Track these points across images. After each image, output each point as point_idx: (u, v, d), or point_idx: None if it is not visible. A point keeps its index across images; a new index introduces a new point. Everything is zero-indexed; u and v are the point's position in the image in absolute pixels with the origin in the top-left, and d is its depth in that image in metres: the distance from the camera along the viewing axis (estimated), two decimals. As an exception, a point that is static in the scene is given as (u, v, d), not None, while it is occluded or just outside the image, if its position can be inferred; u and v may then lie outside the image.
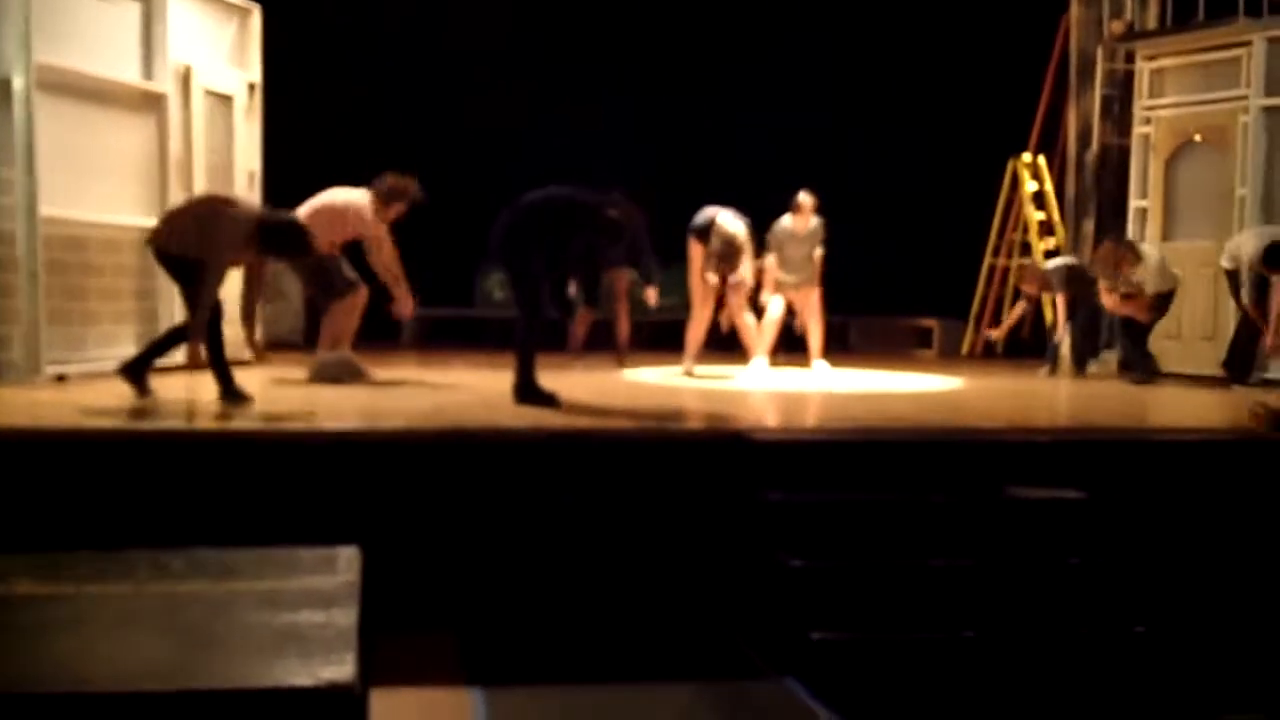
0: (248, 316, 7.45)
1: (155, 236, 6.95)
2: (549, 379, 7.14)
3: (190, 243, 6.78)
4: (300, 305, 12.59)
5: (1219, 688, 5.00)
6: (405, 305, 8.39)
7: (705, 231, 9.33)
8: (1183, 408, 8.19)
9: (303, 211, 8.08)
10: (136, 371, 6.93)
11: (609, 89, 12.84)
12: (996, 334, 11.58)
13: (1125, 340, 9.91)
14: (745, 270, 9.46)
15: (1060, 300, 10.32)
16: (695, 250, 9.48)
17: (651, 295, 10.02)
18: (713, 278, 9.40)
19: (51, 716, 2.78)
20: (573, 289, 8.74)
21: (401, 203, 8.37)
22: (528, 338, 7.08)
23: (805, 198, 9.89)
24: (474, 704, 4.56)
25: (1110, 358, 11.12)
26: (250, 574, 3.81)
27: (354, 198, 8.32)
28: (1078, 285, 10.18)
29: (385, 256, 8.28)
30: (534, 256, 6.94)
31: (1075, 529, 5.50)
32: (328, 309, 8.53)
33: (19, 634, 3.16)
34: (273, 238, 6.90)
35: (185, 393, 7.72)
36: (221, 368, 6.95)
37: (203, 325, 6.82)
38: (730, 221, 9.26)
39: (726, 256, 9.23)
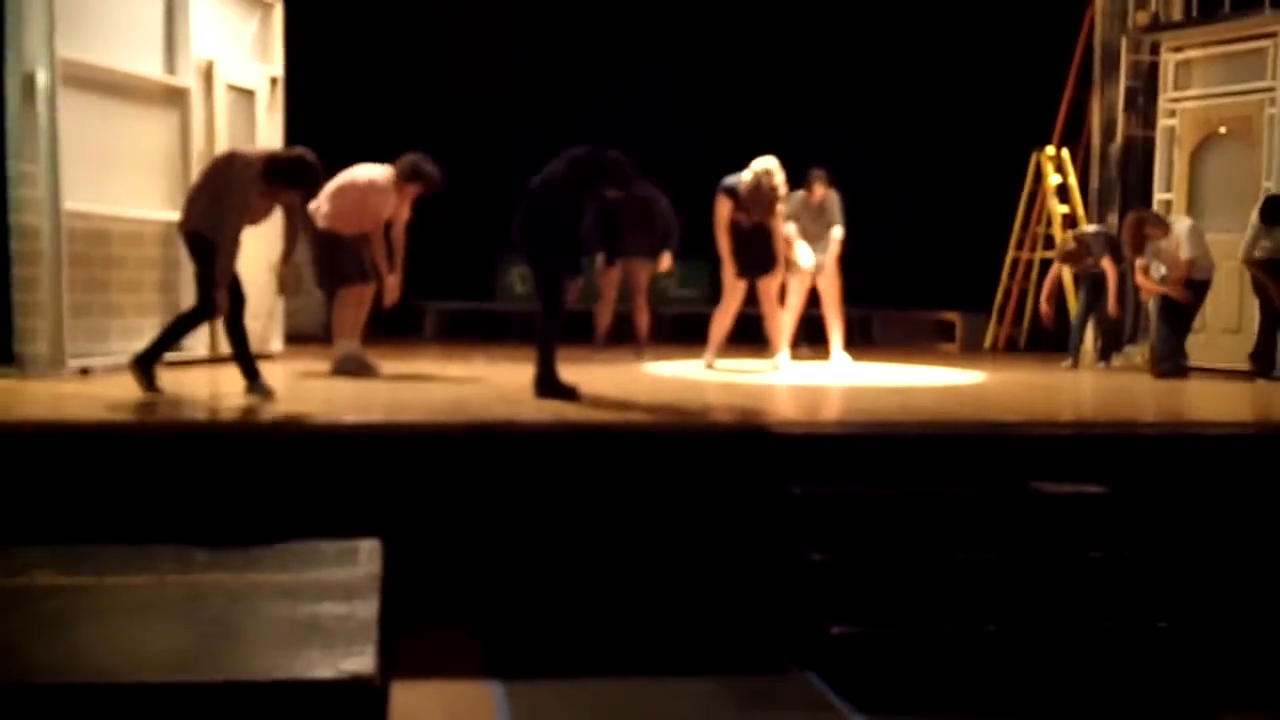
0: (287, 256, 7.40)
1: (182, 220, 6.97)
2: (570, 372, 7.14)
3: (199, 215, 6.78)
4: (321, 299, 12.62)
5: (1240, 682, 4.97)
6: (392, 293, 8.39)
7: (734, 190, 9.17)
8: (1208, 402, 8.14)
9: (327, 192, 8.09)
10: (146, 365, 6.87)
11: (638, 84, 12.82)
12: (1045, 306, 11.26)
13: (1164, 327, 9.69)
14: (785, 228, 9.39)
15: (1109, 268, 10.18)
16: (723, 208, 9.22)
17: (666, 260, 10.03)
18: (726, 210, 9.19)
19: (73, 706, 2.79)
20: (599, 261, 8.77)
21: (420, 183, 8.37)
22: (549, 330, 7.08)
23: (817, 172, 9.85)
24: (494, 697, 4.57)
25: (1133, 351, 11.06)
26: (272, 566, 3.83)
27: (375, 173, 8.34)
28: (1116, 253, 10.11)
29: (395, 233, 8.29)
30: (551, 242, 6.94)
31: (1098, 524, 5.47)
32: (336, 297, 8.52)
33: (42, 624, 3.18)
34: (278, 172, 6.85)
35: (208, 386, 7.75)
36: (246, 360, 6.95)
37: (217, 301, 6.80)
38: (766, 161, 9.14)
39: (758, 200, 9.04)
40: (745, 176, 9.12)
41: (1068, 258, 10.62)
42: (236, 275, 6.95)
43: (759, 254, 9.32)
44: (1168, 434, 6.46)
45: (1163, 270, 9.57)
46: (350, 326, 8.45)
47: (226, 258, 6.77)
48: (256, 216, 7.08)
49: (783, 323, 9.67)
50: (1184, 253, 9.32)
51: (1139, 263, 9.55)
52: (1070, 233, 11.31)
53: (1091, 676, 4.89)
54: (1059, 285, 11.20)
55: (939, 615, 5.01)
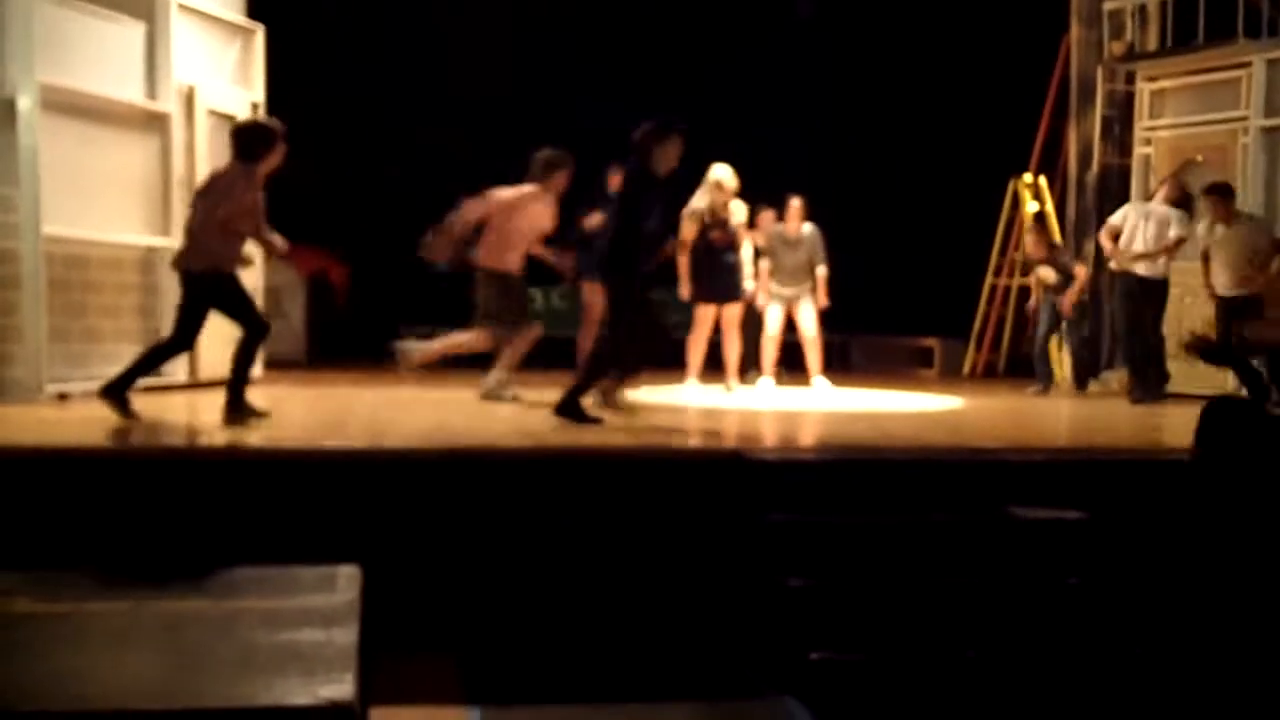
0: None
1: (176, 260, 6.91)
2: (551, 397, 7.14)
3: (205, 252, 6.72)
4: (301, 325, 12.63)
5: (1215, 707, 4.99)
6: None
7: (696, 213, 9.58)
8: (1186, 427, 8.17)
9: (494, 222, 8.28)
10: (117, 392, 6.74)
11: (610, 105, 12.85)
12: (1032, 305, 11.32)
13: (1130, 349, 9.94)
14: (737, 212, 9.65)
15: (1079, 270, 10.42)
16: (687, 230, 9.61)
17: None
18: (690, 231, 9.56)
19: (51, 734, 2.78)
20: None
21: (564, 169, 8.47)
22: (607, 355, 7.15)
23: (795, 201, 10.05)
24: (473, 723, 4.56)
25: (1110, 377, 11.12)
26: (251, 592, 3.81)
27: (525, 192, 8.38)
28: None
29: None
30: (636, 273, 7.08)
31: (1076, 549, 5.49)
32: (511, 336, 8.46)
33: (18, 651, 3.17)
34: (251, 144, 6.79)
35: (186, 411, 7.73)
36: (240, 384, 6.84)
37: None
38: (718, 171, 9.53)
39: (715, 205, 9.51)
40: (698, 201, 9.37)
41: (1037, 251, 10.73)
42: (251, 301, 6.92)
43: (722, 281, 9.55)
44: (1145, 459, 6.50)
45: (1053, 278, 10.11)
46: (515, 360, 8.49)
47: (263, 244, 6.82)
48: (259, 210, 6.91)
49: (764, 347, 9.86)
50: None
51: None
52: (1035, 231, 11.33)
53: (1070, 703, 4.91)
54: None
55: (918, 641, 5.02)
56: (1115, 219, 9.59)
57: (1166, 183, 9.77)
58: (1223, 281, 9.12)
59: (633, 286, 7.19)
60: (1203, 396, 9.68)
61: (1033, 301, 10.94)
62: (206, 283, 6.74)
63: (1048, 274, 10.53)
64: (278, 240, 6.95)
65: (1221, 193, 9.16)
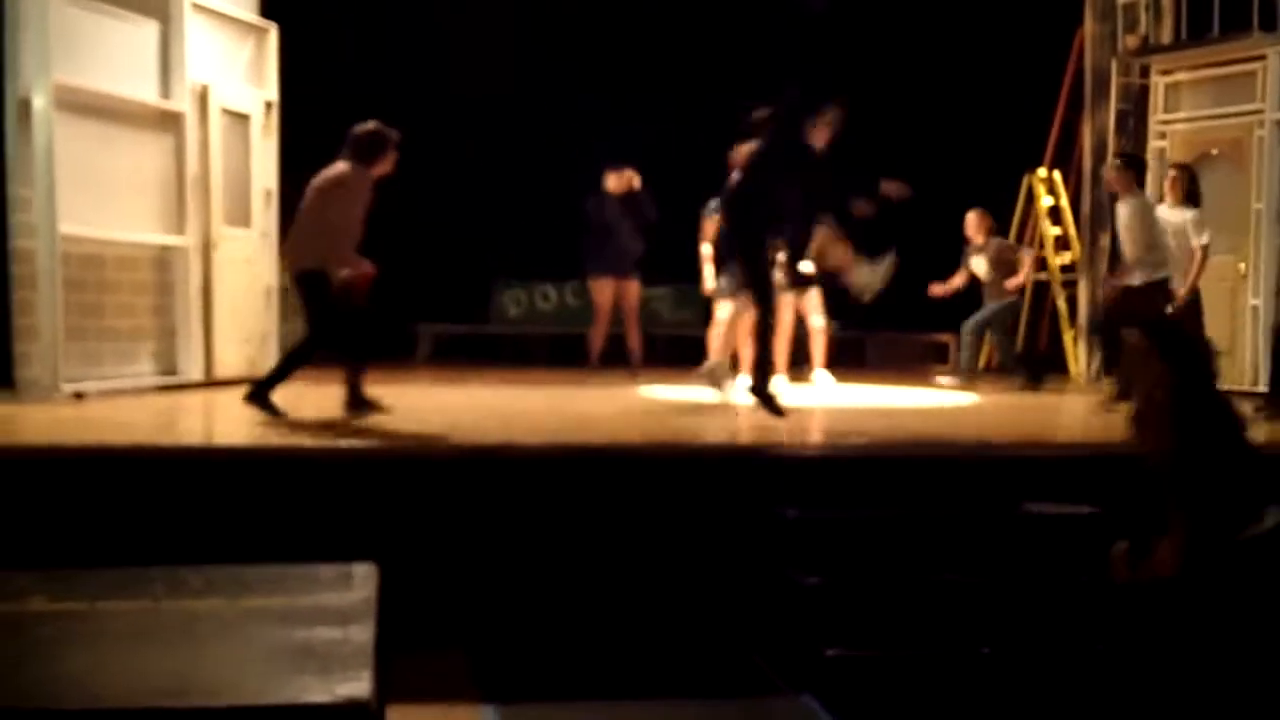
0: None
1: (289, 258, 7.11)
2: (566, 395, 7.15)
3: (308, 250, 6.84)
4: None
5: (1233, 706, 4.97)
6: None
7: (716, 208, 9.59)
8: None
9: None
10: (262, 396, 6.86)
11: (627, 107, 12.86)
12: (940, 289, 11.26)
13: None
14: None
15: (1026, 259, 10.67)
16: (708, 227, 9.70)
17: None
18: (711, 228, 9.62)
19: (68, 733, 2.79)
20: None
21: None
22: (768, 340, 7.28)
23: None
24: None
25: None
26: (267, 591, 3.82)
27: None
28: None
29: None
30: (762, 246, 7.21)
31: (1090, 545, 5.47)
32: (747, 313, 8.43)
33: (34, 650, 3.18)
34: (368, 150, 6.98)
35: (203, 410, 7.76)
36: (281, 377, 6.90)
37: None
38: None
39: None
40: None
41: (976, 236, 10.69)
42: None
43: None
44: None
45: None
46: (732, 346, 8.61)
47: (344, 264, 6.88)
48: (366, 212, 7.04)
49: (777, 344, 9.86)
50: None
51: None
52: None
53: (1085, 699, 4.89)
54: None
55: (933, 637, 5.02)
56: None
57: (1171, 184, 9.40)
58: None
59: (760, 254, 7.30)
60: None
61: (957, 281, 10.87)
62: (311, 279, 6.86)
63: (979, 266, 10.47)
64: (365, 263, 7.06)
65: (1126, 163, 8.92)
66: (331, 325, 6.94)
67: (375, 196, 7.05)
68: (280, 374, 6.92)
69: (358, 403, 6.95)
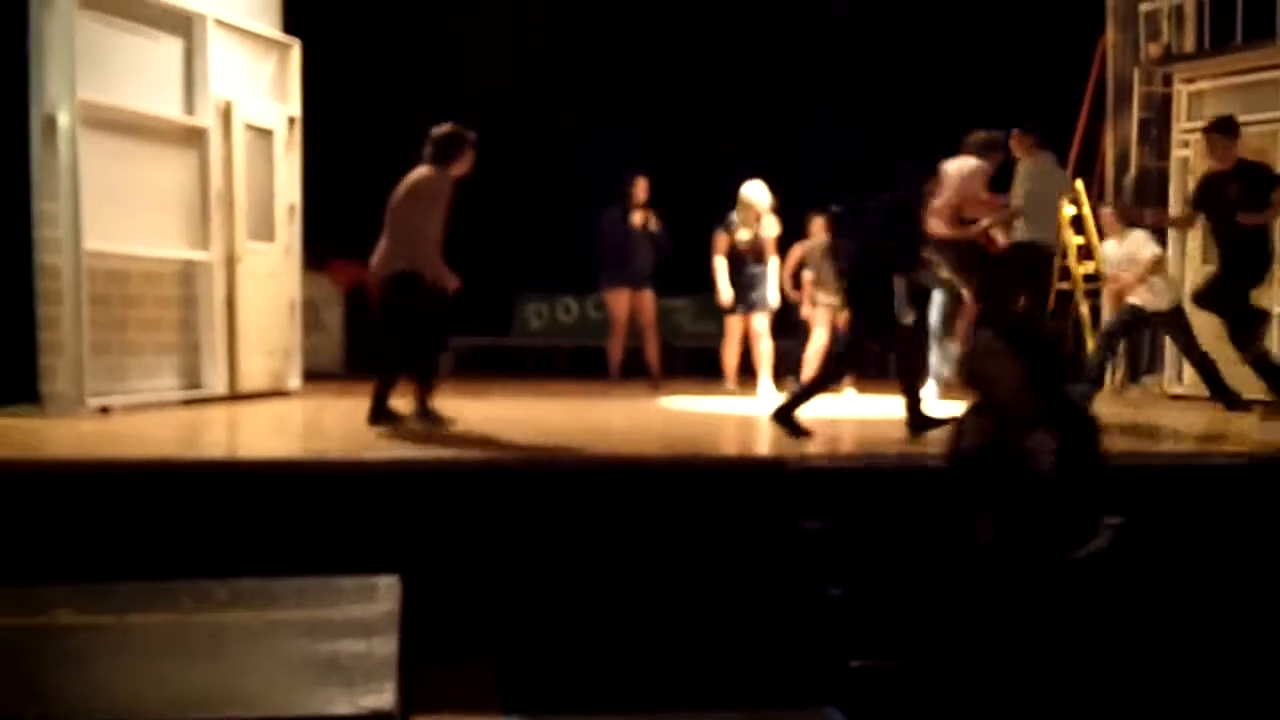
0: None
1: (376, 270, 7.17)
2: (587, 408, 7.16)
3: (397, 256, 6.98)
4: (339, 337, 12.71)
5: (1263, 715, 4.94)
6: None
7: (728, 224, 10.01)
8: (1224, 431, 8.11)
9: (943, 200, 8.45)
10: (381, 412, 7.03)
11: (648, 115, 12.89)
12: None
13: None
14: (769, 227, 9.97)
15: None
16: (720, 243, 10.01)
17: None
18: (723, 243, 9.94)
19: (96, 745, 2.81)
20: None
21: (998, 154, 8.67)
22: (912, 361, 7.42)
23: (818, 219, 10.23)
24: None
25: (1151, 382, 11.02)
26: (292, 603, 3.83)
27: (966, 166, 8.62)
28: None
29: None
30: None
31: (1116, 554, 5.44)
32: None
33: (62, 663, 3.20)
34: (447, 151, 7.17)
35: (227, 423, 7.79)
36: (388, 389, 7.05)
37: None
38: (749, 185, 9.96)
39: (745, 219, 9.93)
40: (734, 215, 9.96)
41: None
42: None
43: (746, 292, 10.02)
44: (1184, 463, 6.44)
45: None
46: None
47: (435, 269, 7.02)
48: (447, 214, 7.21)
49: (810, 360, 9.97)
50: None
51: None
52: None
53: (1113, 710, 4.86)
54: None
55: (957, 648, 4.99)
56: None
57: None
58: None
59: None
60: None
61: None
62: (402, 285, 6.99)
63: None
64: (450, 278, 7.20)
65: (1026, 130, 9.07)
66: (421, 330, 7.07)
67: (455, 198, 7.23)
68: (387, 386, 7.09)
69: (426, 413, 7.12)
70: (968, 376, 4.48)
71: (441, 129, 7.26)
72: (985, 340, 4.36)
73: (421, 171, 7.20)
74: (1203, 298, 8.46)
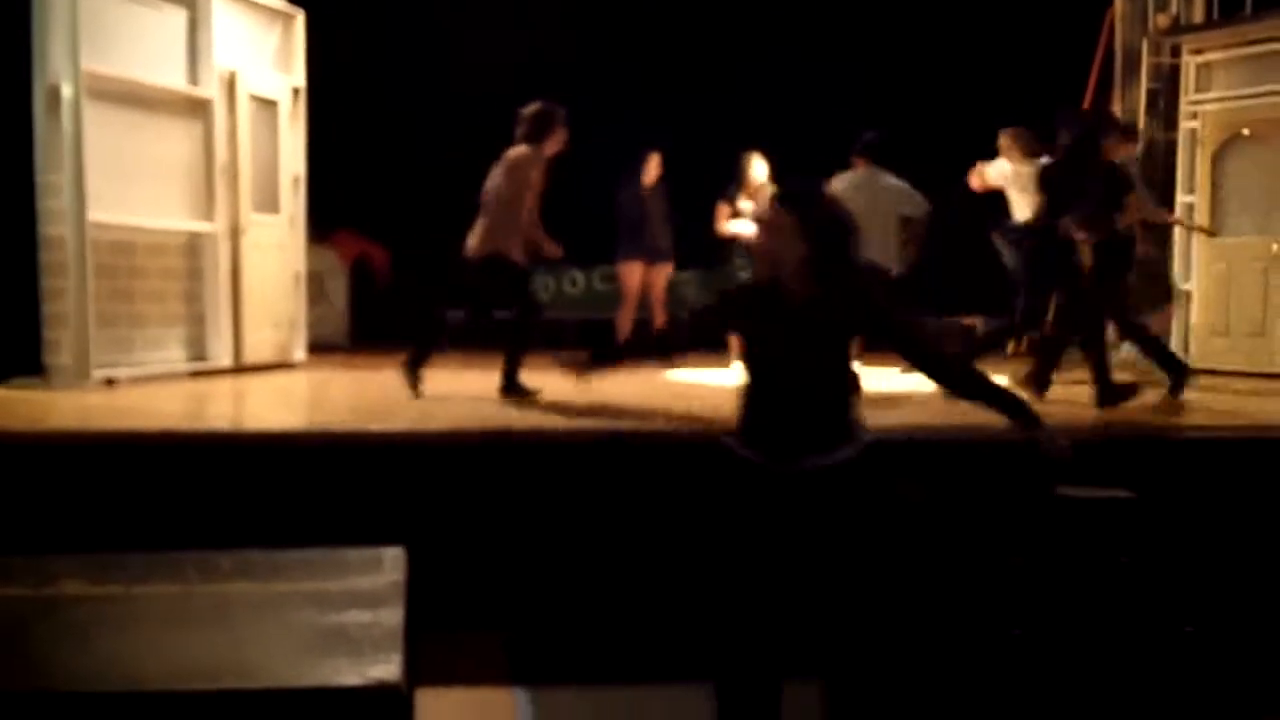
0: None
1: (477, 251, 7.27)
2: (592, 380, 7.12)
3: (491, 236, 7.12)
4: (343, 309, 12.70)
5: (1269, 688, 4.94)
6: None
7: (729, 194, 10.00)
8: (1233, 406, 8.10)
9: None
10: (513, 387, 7.29)
11: (661, 98, 12.85)
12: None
13: None
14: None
15: None
16: (723, 212, 10.01)
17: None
18: (724, 213, 9.88)
19: (101, 716, 2.80)
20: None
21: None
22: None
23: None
24: (518, 703, 4.57)
25: (1132, 355, 10.99)
26: (297, 575, 3.83)
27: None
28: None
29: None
30: None
31: (1125, 529, 5.44)
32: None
33: (69, 634, 3.20)
34: (540, 130, 7.25)
35: (232, 395, 7.78)
36: (514, 364, 7.24)
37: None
38: (749, 158, 10.02)
39: (745, 191, 9.91)
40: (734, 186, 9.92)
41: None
42: None
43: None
44: (1195, 439, 6.43)
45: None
46: None
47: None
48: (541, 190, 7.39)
49: None
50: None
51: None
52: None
53: (1119, 682, 4.87)
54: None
55: (964, 620, 4.99)
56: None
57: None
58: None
59: None
60: (1250, 374, 9.60)
61: None
62: (500, 262, 7.13)
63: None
64: (550, 245, 7.46)
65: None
66: (525, 303, 7.28)
67: (549, 175, 7.41)
68: (515, 360, 7.31)
69: (513, 387, 7.23)
70: (752, 249, 4.16)
71: (531, 107, 7.38)
72: (773, 213, 3.88)
73: (517, 150, 7.30)
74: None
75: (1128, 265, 8.30)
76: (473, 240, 7.25)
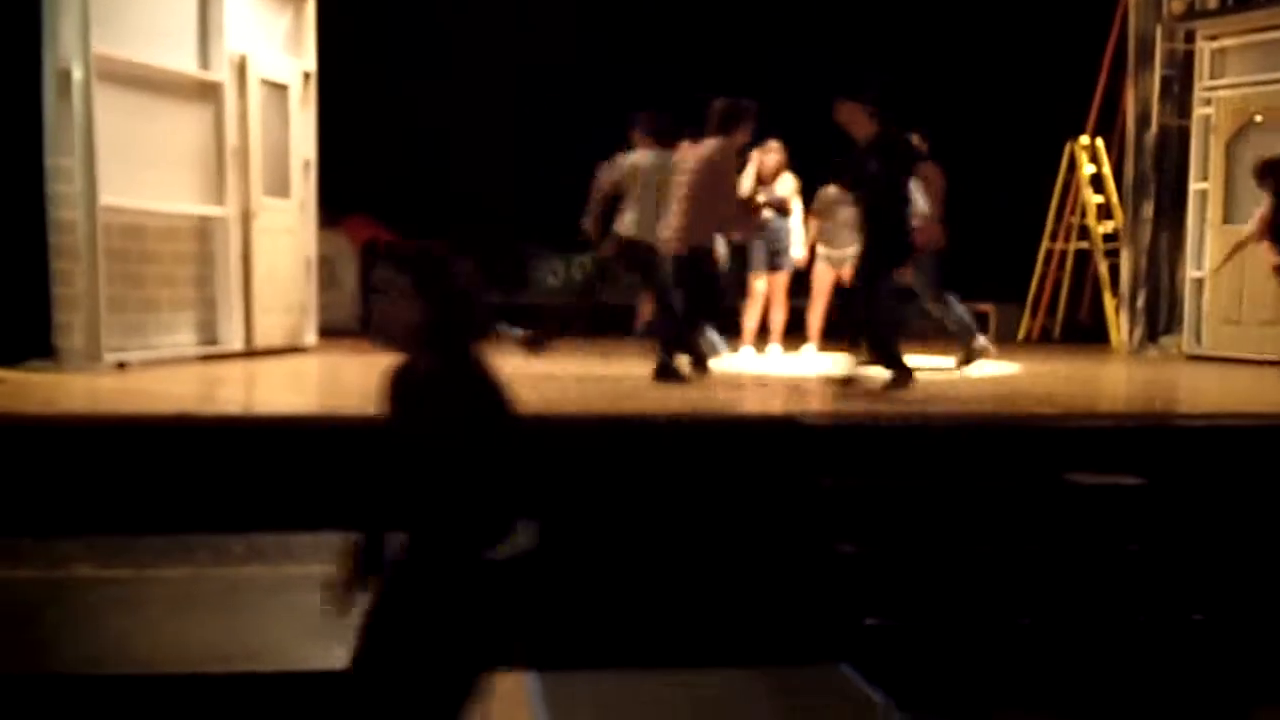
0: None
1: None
2: (603, 364, 7.13)
3: (695, 230, 7.40)
4: (354, 294, 12.71)
5: (1277, 676, 4.93)
6: None
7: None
8: (1244, 392, 8.07)
9: None
10: (692, 357, 7.67)
11: (664, 82, 12.81)
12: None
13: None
14: (784, 184, 9.93)
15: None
16: None
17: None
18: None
19: (111, 698, 2.82)
20: None
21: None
22: None
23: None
24: (529, 686, 4.58)
25: (1169, 342, 10.97)
26: (308, 559, 3.85)
27: None
28: None
29: None
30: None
31: (1134, 516, 5.43)
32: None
33: (80, 616, 3.21)
34: (723, 118, 7.48)
35: (244, 379, 7.79)
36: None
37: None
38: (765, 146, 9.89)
39: (760, 181, 9.87)
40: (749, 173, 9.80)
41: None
42: None
43: (774, 250, 9.93)
44: (1205, 425, 6.41)
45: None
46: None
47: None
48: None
49: (811, 312, 9.98)
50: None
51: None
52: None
53: (1126, 669, 4.86)
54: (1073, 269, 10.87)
55: (973, 608, 4.99)
56: None
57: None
58: None
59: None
60: (1260, 362, 9.58)
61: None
62: (701, 255, 7.46)
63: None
64: (746, 226, 7.87)
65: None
66: (709, 293, 7.63)
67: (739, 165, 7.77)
68: (681, 343, 7.59)
69: (669, 370, 7.50)
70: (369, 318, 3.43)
71: (722, 101, 7.61)
72: (385, 273, 3.38)
73: (711, 145, 7.52)
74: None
75: None
76: (674, 236, 7.49)
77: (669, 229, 7.52)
